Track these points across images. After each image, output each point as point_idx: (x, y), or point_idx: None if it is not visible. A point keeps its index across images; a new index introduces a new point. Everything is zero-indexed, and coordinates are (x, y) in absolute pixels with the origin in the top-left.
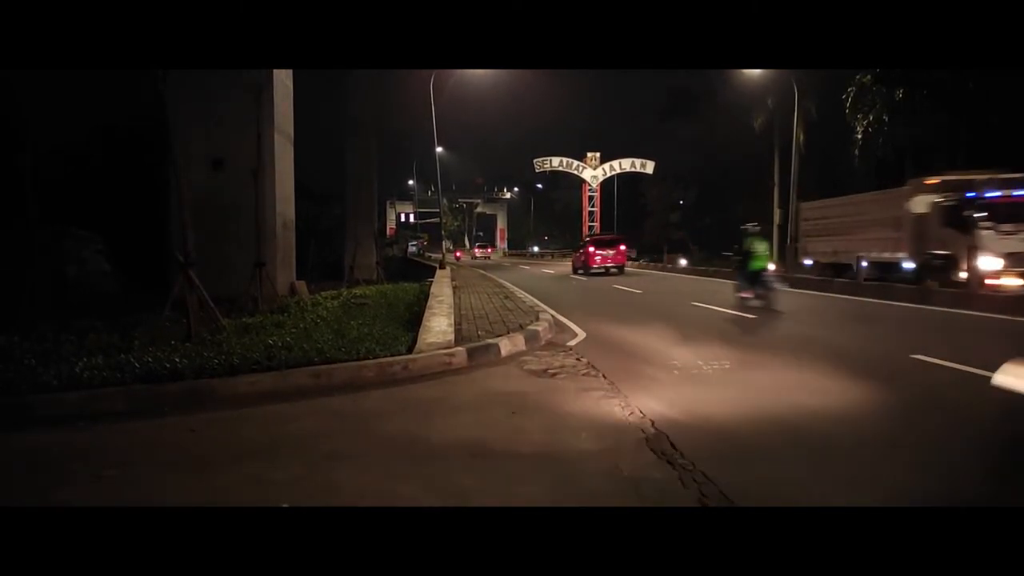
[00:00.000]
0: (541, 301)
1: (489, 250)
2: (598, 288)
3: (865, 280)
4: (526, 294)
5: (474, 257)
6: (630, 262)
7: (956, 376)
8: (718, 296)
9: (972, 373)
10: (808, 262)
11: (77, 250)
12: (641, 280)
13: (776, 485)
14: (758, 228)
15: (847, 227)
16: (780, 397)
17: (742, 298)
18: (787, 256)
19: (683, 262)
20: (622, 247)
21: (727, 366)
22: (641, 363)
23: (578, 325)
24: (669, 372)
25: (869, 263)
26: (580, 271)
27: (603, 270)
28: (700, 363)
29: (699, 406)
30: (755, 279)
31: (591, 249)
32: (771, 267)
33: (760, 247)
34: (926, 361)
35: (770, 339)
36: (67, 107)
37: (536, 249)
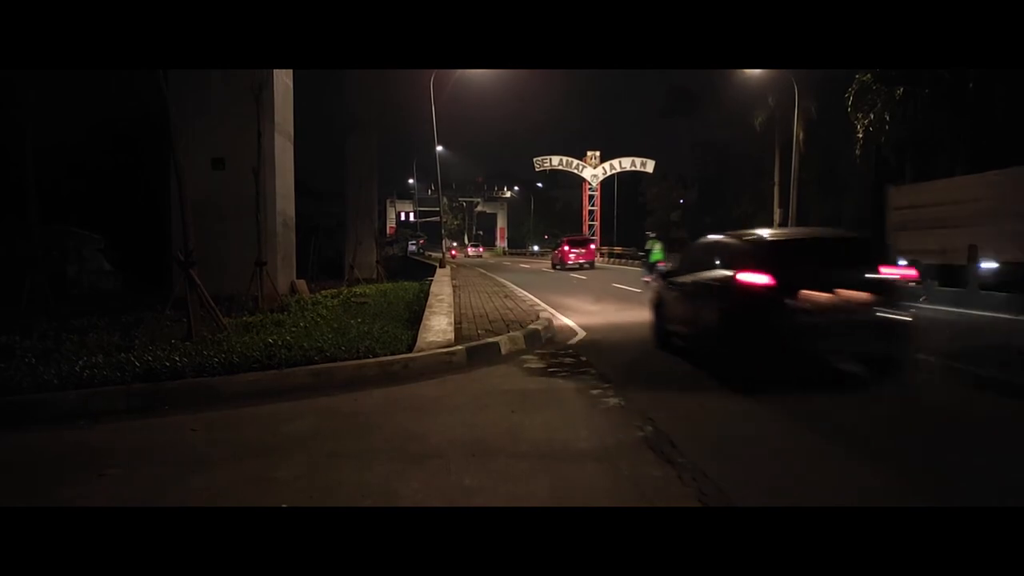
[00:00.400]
0: (541, 300)
1: (480, 249)
2: (599, 286)
3: (983, 289)
4: (527, 293)
5: (467, 255)
6: (632, 260)
7: None
8: None
9: None
10: (901, 262)
11: (77, 249)
12: (638, 277)
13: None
14: (655, 235)
15: (964, 217)
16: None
17: (644, 281)
18: None
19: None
20: (592, 246)
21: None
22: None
23: (578, 324)
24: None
25: (1001, 265)
26: (557, 266)
27: (577, 265)
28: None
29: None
30: (652, 268)
31: (566, 248)
32: (662, 261)
33: (656, 247)
34: None
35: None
36: (67, 105)
37: (536, 248)
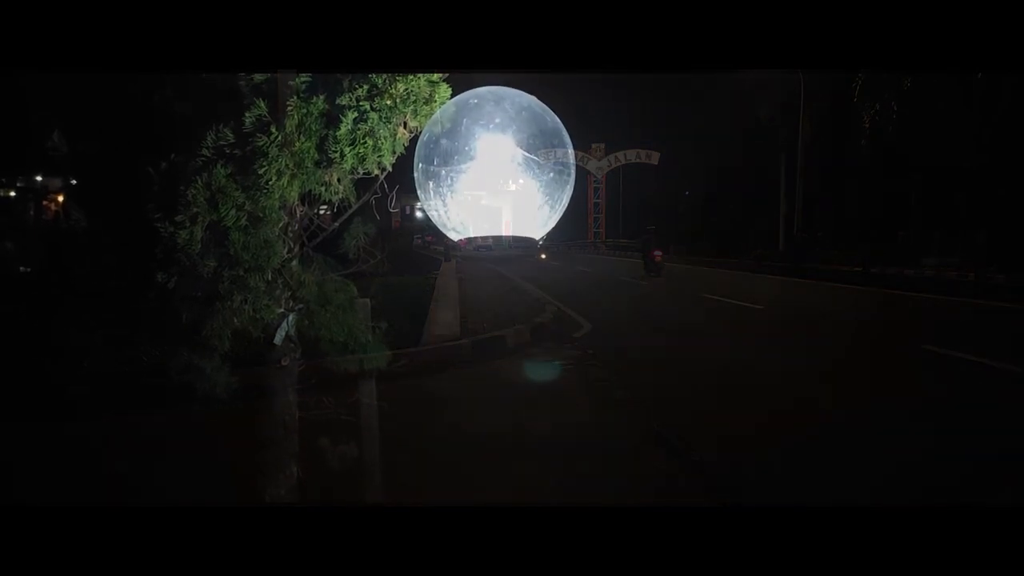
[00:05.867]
0: (544, 293)
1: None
2: (602, 282)
3: None
4: (532, 286)
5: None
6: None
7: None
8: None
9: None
10: None
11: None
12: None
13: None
14: (653, 228)
15: None
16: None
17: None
18: (792, 247)
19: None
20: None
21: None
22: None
23: (582, 316)
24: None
25: None
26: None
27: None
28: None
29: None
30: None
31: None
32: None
33: (652, 240)
34: None
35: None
36: (69, 100)
37: (540, 242)
